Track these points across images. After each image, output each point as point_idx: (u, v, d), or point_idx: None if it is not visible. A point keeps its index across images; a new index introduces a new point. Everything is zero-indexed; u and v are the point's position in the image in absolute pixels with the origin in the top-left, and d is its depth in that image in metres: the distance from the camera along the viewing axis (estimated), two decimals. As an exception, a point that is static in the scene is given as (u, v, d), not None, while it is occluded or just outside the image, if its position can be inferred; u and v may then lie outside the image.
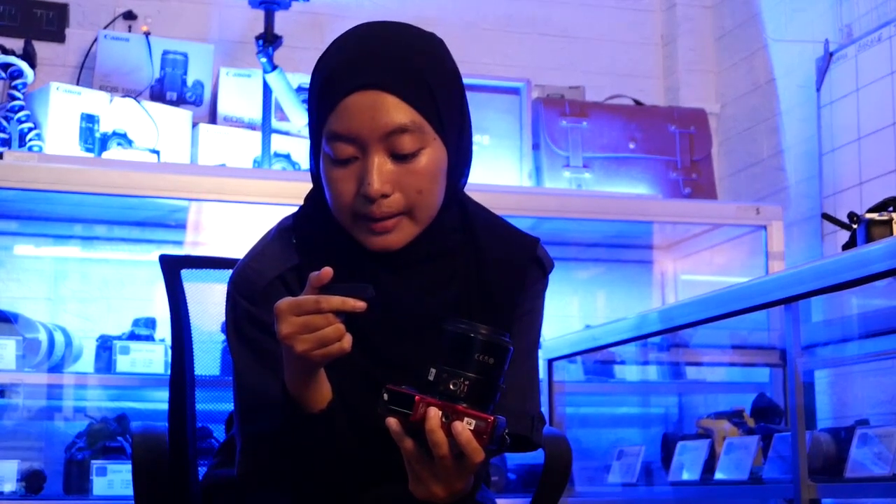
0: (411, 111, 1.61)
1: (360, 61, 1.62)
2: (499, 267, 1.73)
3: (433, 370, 1.48)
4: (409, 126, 1.61)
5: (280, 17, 4.11)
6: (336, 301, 1.49)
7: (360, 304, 1.50)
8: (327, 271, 1.50)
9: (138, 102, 4.01)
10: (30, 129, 3.82)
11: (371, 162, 1.61)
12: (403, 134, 1.61)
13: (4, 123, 3.87)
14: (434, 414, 1.46)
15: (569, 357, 3.90)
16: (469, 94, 1.74)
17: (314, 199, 1.73)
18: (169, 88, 4.21)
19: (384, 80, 1.60)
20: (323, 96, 1.64)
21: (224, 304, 1.73)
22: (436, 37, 1.70)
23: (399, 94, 1.61)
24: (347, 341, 1.51)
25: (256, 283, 1.67)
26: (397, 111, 1.60)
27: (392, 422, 1.48)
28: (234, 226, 3.88)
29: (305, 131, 4.14)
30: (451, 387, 1.47)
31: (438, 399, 1.47)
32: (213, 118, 4.24)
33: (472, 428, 1.46)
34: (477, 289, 1.71)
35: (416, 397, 1.47)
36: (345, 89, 1.61)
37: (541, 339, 1.84)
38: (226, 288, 1.72)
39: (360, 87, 1.60)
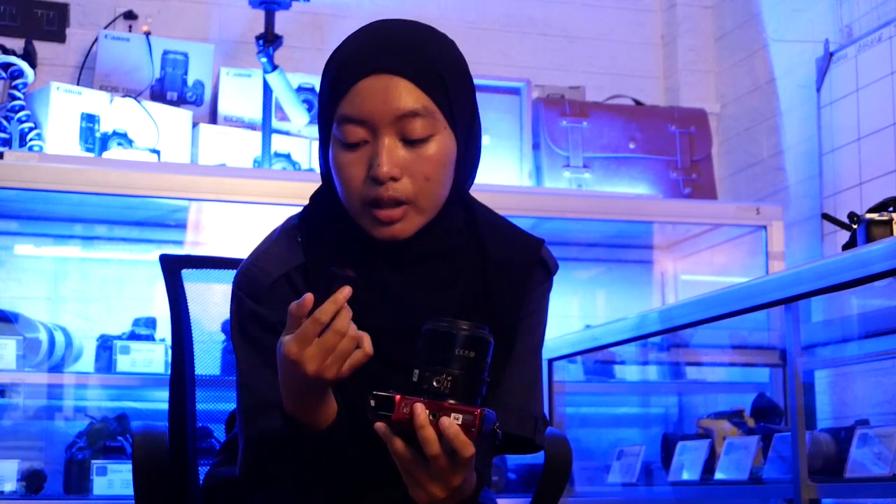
0: (423, 96, 1.62)
1: (374, 48, 1.63)
2: (503, 268, 1.73)
3: (416, 371, 1.49)
4: (421, 111, 1.61)
5: (280, 17, 4.11)
6: (329, 308, 1.48)
7: (346, 292, 1.49)
8: (308, 298, 1.49)
9: (138, 102, 4.01)
10: (30, 129, 3.82)
11: (381, 144, 1.61)
12: (415, 118, 1.61)
13: (5, 123, 3.87)
14: (421, 411, 1.46)
15: (569, 357, 3.90)
16: (470, 94, 1.74)
17: (320, 199, 1.73)
18: (169, 88, 4.21)
19: (397, 64, 1.61)
20: (335, 83, 1.64)
21: (225, 303, 1.72)
22: (449, 37, 1.71)
23: (412, 79, 1.61)
24: (367, 344, 1.51)
25: (262, 281, 1.67)
26: (409, 95, 1.61)
27: (380, 426, 1.48)
28: (234, 226, 3.88)
29: (306, 131, 4.19)
30: (435, 384, 1.47)
31: (424, 398, 1.47)
32: (213, 118, 4.24)
33: (459, 422, 1.46)
34: (481, 289, 1.71)
35: (397, 397, 1.47)
36: (358, 73, 1.62)
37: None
38: (229, 287, 1.72)
39: (373, 70, 1.61)
